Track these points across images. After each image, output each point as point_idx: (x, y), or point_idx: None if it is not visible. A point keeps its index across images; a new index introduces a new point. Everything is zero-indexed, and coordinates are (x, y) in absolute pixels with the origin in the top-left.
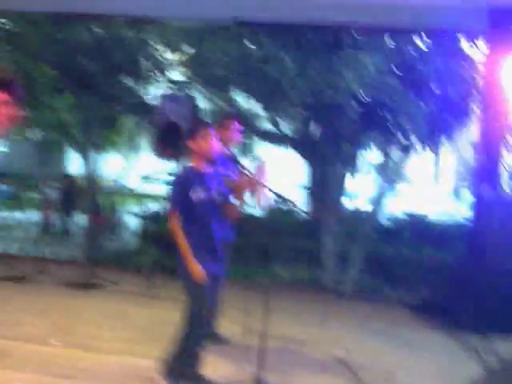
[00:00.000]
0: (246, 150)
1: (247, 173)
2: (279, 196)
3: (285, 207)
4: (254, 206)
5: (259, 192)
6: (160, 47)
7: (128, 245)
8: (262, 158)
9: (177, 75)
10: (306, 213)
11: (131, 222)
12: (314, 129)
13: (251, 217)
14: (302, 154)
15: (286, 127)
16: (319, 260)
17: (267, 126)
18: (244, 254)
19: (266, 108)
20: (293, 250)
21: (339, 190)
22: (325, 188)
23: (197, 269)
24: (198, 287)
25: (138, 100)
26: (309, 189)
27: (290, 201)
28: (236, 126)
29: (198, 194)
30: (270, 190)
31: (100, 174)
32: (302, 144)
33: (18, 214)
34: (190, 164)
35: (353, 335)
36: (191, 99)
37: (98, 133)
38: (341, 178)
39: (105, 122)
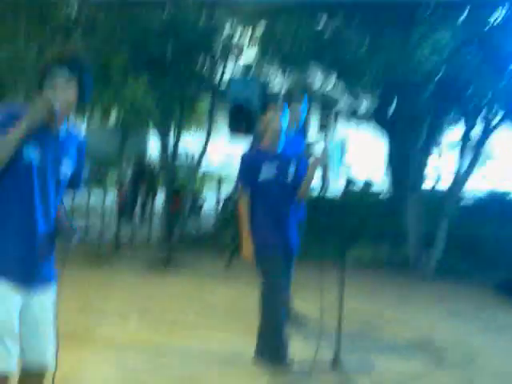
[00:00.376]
0: (323, 129)
1: (316, 152)
2: (350, 179)
3: (365, 187)
4: (323, 184)
5: (327, 171)
6: (234, 27)
7: (207, 226)
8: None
9: (251, 55)
10: (385, 192)
11: (211, 202)
12: (394, 106)
13: (330, 197)
14: (382, 132)
15: (365, 105)
16: (401, 240)
17: (346, 104)
18: (324, 234)
19: (344, 86)
20: (375, 230)
21: (421, 168)
22: (406, 166)
23: (248, 248)
24: (269, 263)
25: (214, 81)
26: (390, 167)
27: (366, 181)
28: (303, 105)
29: (265, 173)
30: (343, 170)
31: (179, 155)
32: (382, 122)
33: (98, 198)
34: (259, 143)
35: (434, 316)
36: (261, 81)
37: (177, 114)
38: (423, 155)
39: (182, 104)
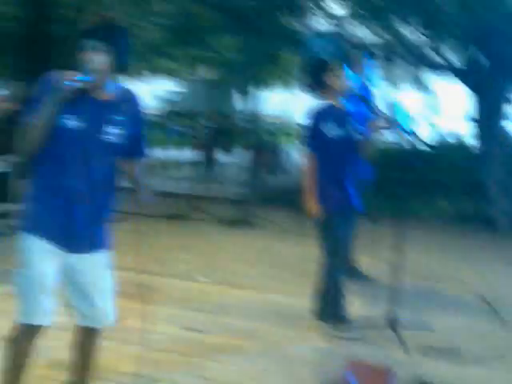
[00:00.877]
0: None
1: (381, 111)
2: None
3: (454, 141)
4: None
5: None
6: None
7: (288, 182)
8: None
9: (336, 8)
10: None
11: (295, 159)
12: (481, 59)
13: (412, 150)
14: (468, 85)
15: (452, 57)
16: (486, 195)
17: (433, 57)
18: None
19: (430, 38)
20: (461, 184)
21: (507, 121)
22: (492, 120)
23: (313, 206)
24: (329, 224)
25: (298, 36)
26: (476, 121)
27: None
28: (364, 63)
29: (332, 130)
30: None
31: (263, 110)
32: (469, 74)
33: (184, 153)
34: (326, 101)
35: (499, 273)
36: (342, 36)
37: (260, 70)
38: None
39: (266, 59)
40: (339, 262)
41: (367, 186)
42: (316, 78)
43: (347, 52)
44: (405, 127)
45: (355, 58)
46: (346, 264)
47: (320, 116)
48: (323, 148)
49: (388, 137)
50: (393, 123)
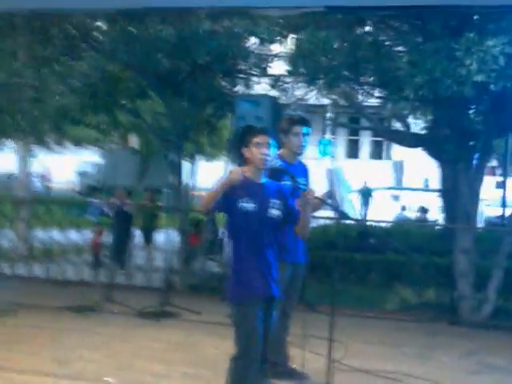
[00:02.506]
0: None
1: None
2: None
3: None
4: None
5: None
6: (253, 39)
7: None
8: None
9: (276, 69)
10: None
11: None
12: (440, 125)
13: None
14: (430, 154)
15: (409, 123)
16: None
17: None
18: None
19: (383, 102)
20: (421, 267)
21: (475, 195)
22: (458, 194)
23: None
24: (245, 311)
25: (229, 99)
26: (441, 194)
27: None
28: (302, 129)
29: (247, 206)
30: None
31: (196, 183)
32: (429, 142)
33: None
34: (242, 169)
35: (463, 370)
36: (271, 100)
37: (193, 138)
38: (477, 181)
39: (199, 127)
40: (252, 360)
41: (301, 270)
42: (238, 146)
43: (282, 117)
44: (344, 199)
45: (288, 123)
46: (261, 363)
47: (233, 189)
48: (237, 225)
49: (329, 212)
50: (330, 195)
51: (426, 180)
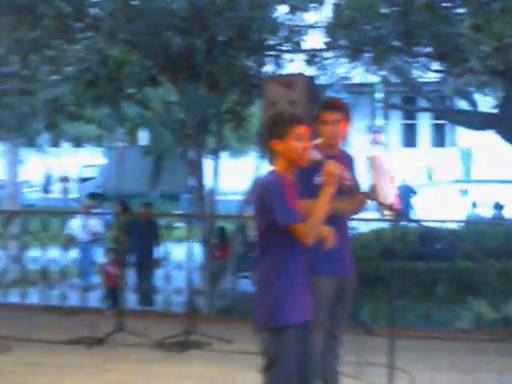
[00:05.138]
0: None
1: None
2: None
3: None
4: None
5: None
6: (282, 8)
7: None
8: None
9: (311, 43)
10: None
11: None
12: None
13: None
14: (503, 137)
15: (476, 101)
16: None
17: (450, 102)
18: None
19: (443, 77)
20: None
21: None
22: None
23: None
24: (284, 339)
25: (258, 82)
26: None
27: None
28: (333, 115)
29: (293, 211)
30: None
31: (219, 186)
32: (501, 123)
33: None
34: (275, 169)
35: None
36: (307, 80)
37: (214, 131)
38: None
39: (222, 117)
40: None
41: (349, 284)
42: (269, 138)
43: (324, 102)
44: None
45: (318, 109)
46: None
47: (272, 191)
48: (275, 235)
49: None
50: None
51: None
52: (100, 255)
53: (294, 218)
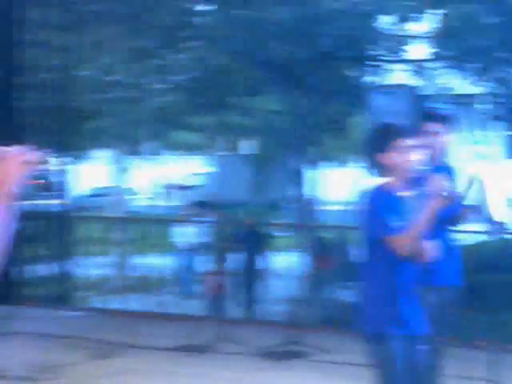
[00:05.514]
0: None
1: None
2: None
3: None
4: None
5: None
6: (385, 18)
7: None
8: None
9: (414, 53)
10: None
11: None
12: None
13: None
14: None
15: None
16: None
17: None
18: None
19: None
20: None
21: None
22: None
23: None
24: (392, 350)
25: (361, 93)
26: None
27: None
28: (433, 127)
29: (392, 224)
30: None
31: (321, 195)
32: None
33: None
34: (383, 182)
35: None
36: (411, 90)
37: (316, 140)
38: None
39: (323, 126)
40: None
41: (453, 295)
42: (374, 150)
43: (425, 113)
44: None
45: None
46: None
47: (373, 203)
48: (378, 247)
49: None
50: (476, 208)
51: None
52: (202, 263)
53: (390, 230)
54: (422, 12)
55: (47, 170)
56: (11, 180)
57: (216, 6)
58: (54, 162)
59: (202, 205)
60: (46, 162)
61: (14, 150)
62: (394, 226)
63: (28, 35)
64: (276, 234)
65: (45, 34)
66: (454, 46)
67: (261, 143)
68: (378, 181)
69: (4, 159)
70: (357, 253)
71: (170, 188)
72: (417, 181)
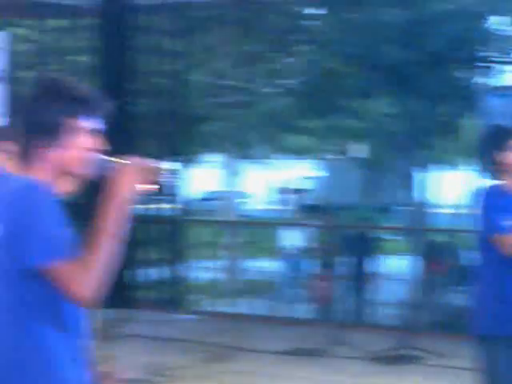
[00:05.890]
0: None
1: None
2: None
3: None
4: None
5: None
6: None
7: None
8: None
9: None
10: None
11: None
12: None
13: None
14: None
15: None
16: None
17: None
18: None
19: None
20: None
21: None
22: None
23: None
24: (504, 352)
25: (473, 95)
26: None
27: None
28: None
29: (502, 223)
30: None
31: (433, 199)
32: None
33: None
34: (498, 182)
35: None
36: None
37: (427, 143)
38: None
39: (435, 129)
40: None
41: None
42: (490, 150)
43: None
44: None
45: None
46: None
47: (487, 203)
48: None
49: None
50: None
51: None
52: (310, 267)
53: (499, 229)
54: None
55: (164, 177)
56: (131, 188)
57: (326, 10)
58: (167, 167)
59: (312, 209)
60: (163, 171)
61: (132, 159)
62: (503, 225)
63: (140, 41)
64: (386, 237)
65: (157, 40)
66: None
67: (371, 146)
68: (491, 182)
69: (124, 168)
70: (469, 256)
71: (282, 192)
72: None
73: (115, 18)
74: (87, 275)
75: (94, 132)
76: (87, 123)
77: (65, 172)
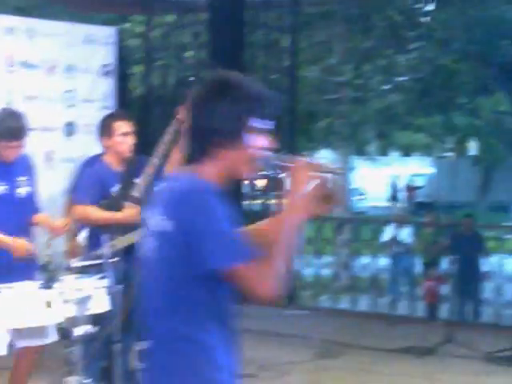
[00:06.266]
0: None
1: None
2: None
3: None
4: None
5: None
6: None
7: None
8: None
9: None
10: None
11: None
12: None
13: None
14: None
15: None
16: None
17: None
18: None
19: None
20: None
21: None
22: None
23: None
24: None
25: None
26: None
27: None
28: None
29: None
30: None
31: None
32: None
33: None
34: None
35: None
36: None
37: None
38: None
39: None
40: None
41: None
42: None
43: None
44: None
45: None
46: None
47: None
48: None
49: None
50: None
51: None
52: (421, 265)
53: None
54: None
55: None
56: (301, 188)
57: (443, 6)
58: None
59: (424, 206)
60: (334, 170)
61: (302, 159)
62: None
63: (251, 37)
64: (503, 236)
65: (268, 36)
66: None
67: (486, 144)
68: None
69: (297, 167)
70: None
71: (398, 189)
72: None
73: (226, 14)
74: (269, 274)
75: (265, 131)
76: (260, 122)
77: (234, 171)
